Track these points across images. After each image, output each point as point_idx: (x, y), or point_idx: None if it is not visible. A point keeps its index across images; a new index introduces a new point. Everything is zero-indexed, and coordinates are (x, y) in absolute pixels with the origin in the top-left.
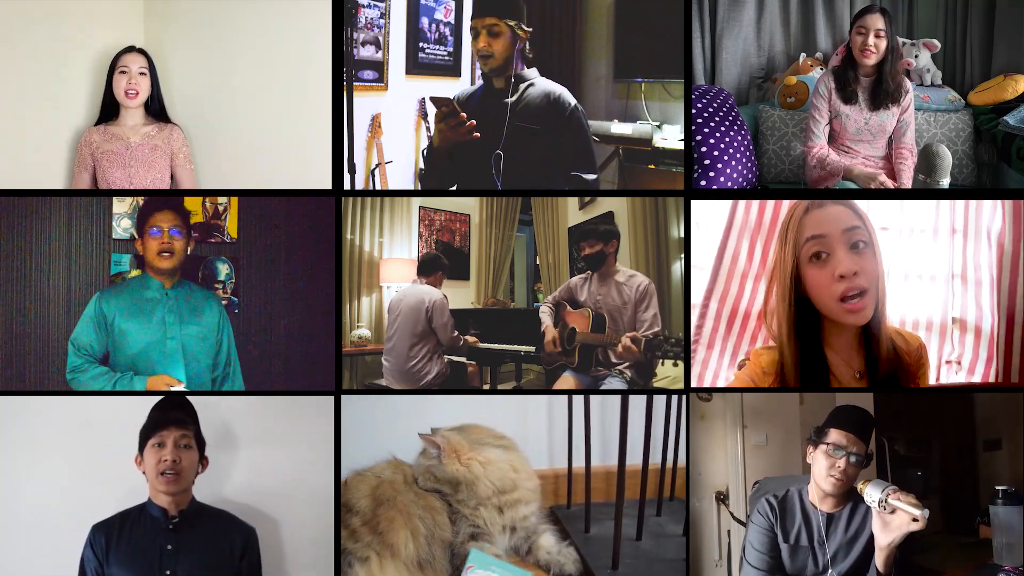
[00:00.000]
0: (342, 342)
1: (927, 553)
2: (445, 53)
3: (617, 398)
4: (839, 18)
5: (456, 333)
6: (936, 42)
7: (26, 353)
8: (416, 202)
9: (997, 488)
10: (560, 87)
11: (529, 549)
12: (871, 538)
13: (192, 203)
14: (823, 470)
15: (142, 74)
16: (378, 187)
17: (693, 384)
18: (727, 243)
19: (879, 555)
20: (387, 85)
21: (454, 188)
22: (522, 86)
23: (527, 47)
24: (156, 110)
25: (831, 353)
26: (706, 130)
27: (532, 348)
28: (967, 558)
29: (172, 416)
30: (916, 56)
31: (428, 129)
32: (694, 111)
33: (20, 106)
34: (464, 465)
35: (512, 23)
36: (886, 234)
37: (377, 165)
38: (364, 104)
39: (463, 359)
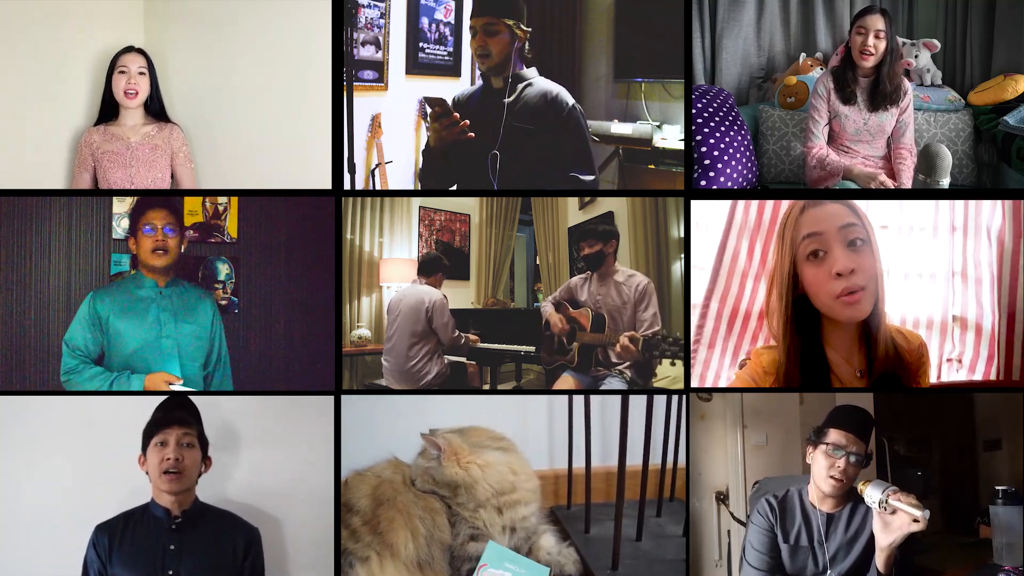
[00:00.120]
0: (342, 342)
1: (927, 553)
2: (445, 53)
3: (617, 398)
4: (839, 18)
5: (457, 333)
6: (936, 42)
7: (26, 353)
8: (416, 202)
9: (997, 488)
10: (558, 87)
11: (529, 550)
12: (871, 538)
13: (192, 203)
14: (823, 470)
15: (141, 74)
16: (378, 187)
17: (695, 384)
18: (727, 243)
19: (879, 556)
20: (387, 85)
21: (454, 188)
22: (520, 86)
23: (526, 47)
24: (156, 110)
25: (831, 352)
26: (706, 130)
27: (532, 348)
28: (967, 558)
29: (175, 416)
30: (916, 56)
31: (428, 129)
32: (694, 111)
33: (20, 106)
34: (463, 468)
35: (510, 22)
36: (886, 232)
37: (377, 165)
38: (364, 104)
39: (463, 359)
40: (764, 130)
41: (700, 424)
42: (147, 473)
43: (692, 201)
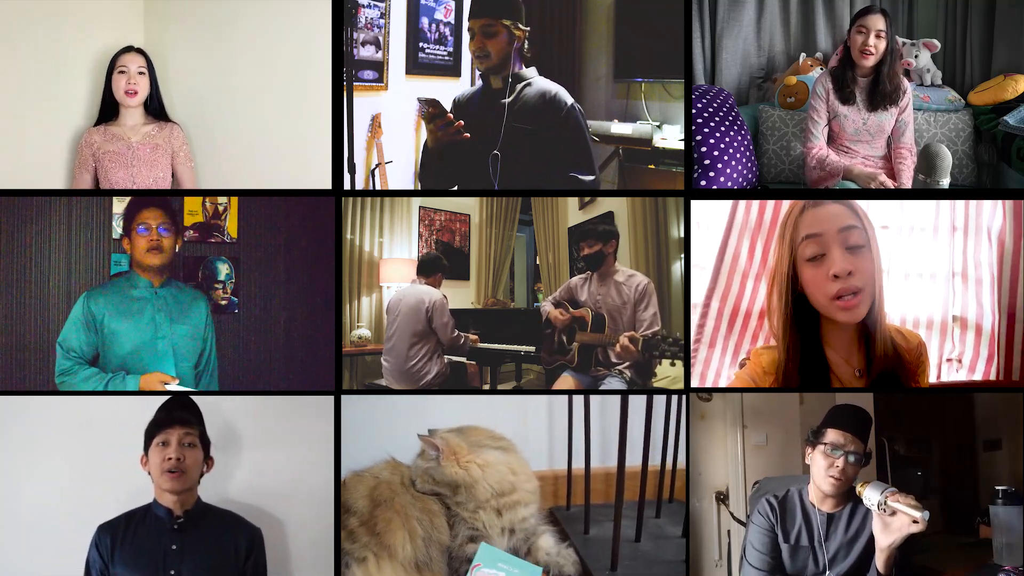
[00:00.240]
0: (342, 342)
1: (927, 553)
2: (445, 53)
3: (617, 398)
4: (839, 18)
5: (456, 333)
6: (936, 42)
7: (26, 353)
8: (416, 202)
9: (997, 488)
10: (557, 86)
11: (528, 550)
12: (871, 538)
13: (192, 203)
14: (822, 470)
15: (141, 74)
16: (378, 187)
17: (695, 383)
18: (728, 242)
19: (879, 556)
20: (387, 85)
21: (455, 188)
22: (519, 86)
23: (525, 46)
24: (155, 109)
25: (831, 352)
26: (706, 130)
27: (532, 348)
28: (967, 558)
29: (176, 415)
30: (916, 56)
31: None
32: (694, 111)
33: (20, 106)
34: (463, 468)
35: (508, 23)
36: (887, 232)
37: (377, 165)
38: (364, 104)
39: (463, 359)
40: (764, 130)
41: (700, 424)
42: (149, 473)
43: (692, 201)
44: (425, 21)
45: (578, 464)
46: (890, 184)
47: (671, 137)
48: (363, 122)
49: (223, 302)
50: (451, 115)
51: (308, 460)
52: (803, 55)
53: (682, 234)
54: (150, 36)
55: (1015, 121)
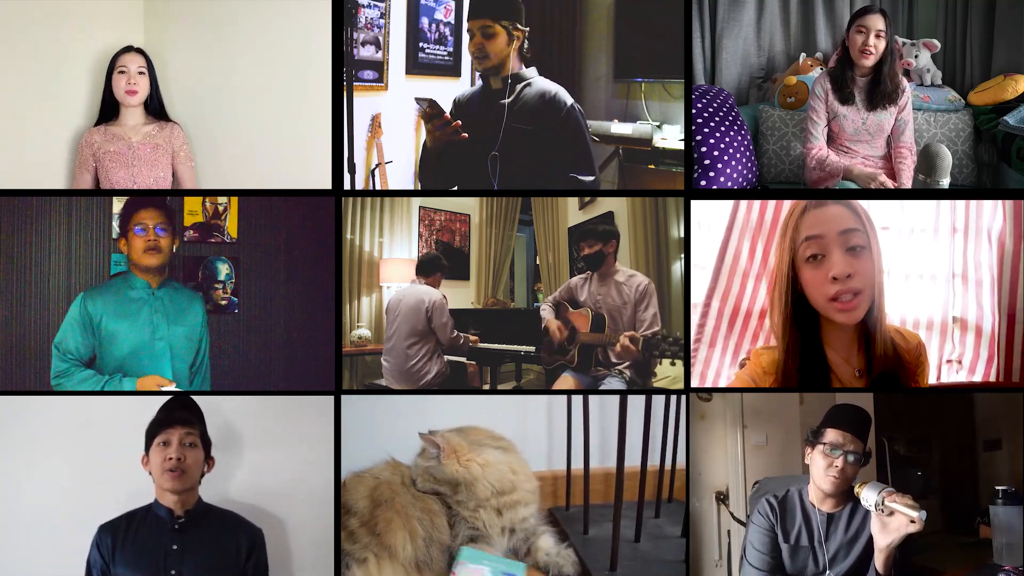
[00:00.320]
0: (342, 342)
1: (927, 553)
2: (445, 53)
3: (616, 398)
4: (839, 18)
5: (456, 333)
6: (936, 42)
7: (26, 353)
8: (416, 202)
9: (997, 488)
10: (557, 86)
11: (528, 551)
12: (871, 538)
13: (192, 203)
14: (821, 470)
15: (141, 73)
16: (378, 187)
17: (695, 383)
18: (728, 242)
19: (878, 556)
20: (387, 85)
21: (455, 188)
22: (519, 86)
23: (525, 46)
24: (156, 109)
25: (831, 352)
26: (706, 130)
27: (532, 348)
28: (967, 558)
29: (177, 415)
30: (916, 56)
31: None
32: (694, 111)
33: (20, 106)
34: (463, 466)
35: (507, 24)
36: (887, 233)
37: (377, 165)
38: (364, 104)
39: (463, 359)
40: (764, 130)
41: (700, 424)
42: (150, 473)
43: (692, 201)
44: (425, 21)
45: (577, 464)
46: (890, 184)
47: (671, 137)
48: (363, 122)
49: (223, 302)
50: (448, 115)
51: (308, 460)
52: (803, 55)
53: (682, 234)
54: (150, 36)
55: (1015, 121)
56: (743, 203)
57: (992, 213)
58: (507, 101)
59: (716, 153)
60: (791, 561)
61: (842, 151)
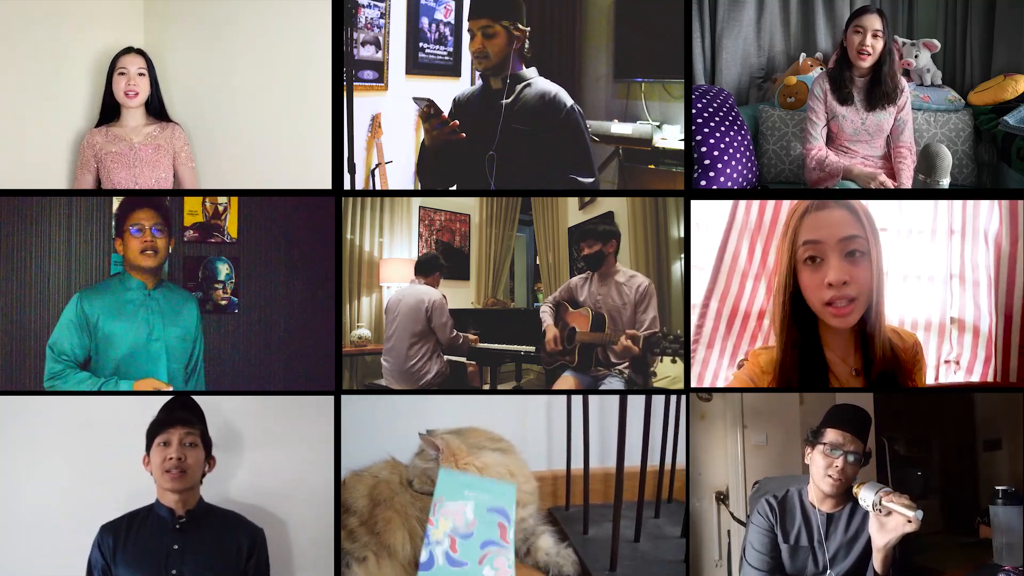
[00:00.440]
0: (342, 342)
1: (927, 553)
2: (445, 53)
3: (616, 398)
4: (839, 18)
5: (455, 332)
6: (936, 42)
7: (26, 353)
8: (416, 202)
9: (997, 488)
10: (557, 87)
11: (527, 550)
12: (871, 538)
13: (192, 203)
14: (821, 470)
15: (141, 75)
16: (378, 187)
17: (693, 384)
18: (727, 243)
19: (876, 556)
20: (387, 85)
21: (454, 188)
22: (519, 86)
23: (526, 47)
24: (156, 109)
25: (828, 351)
26: (706, 130)
27: (532, 348)
28: (967, 558)
29: (177, 416)
30: (916, 56)
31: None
32: (694, 111)
33: (20, 106)
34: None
35: (507, 24)
36: (885, 235)
37: (377, 165)
38: (364, 104)
39: (463, 359)
40: (764, 130)
41: (700, 424)
42: (151, 473)
43: (692, 201)
44: (425, 21)
45: (577, 464)
46: (890, 184)
47: (671, 137)
48: (363, 122)
49: (223, 302)
50: (446, 115)
51: (308, 460)
52: (803, 55)
53: (682, 234)
54: (150, 36)
55: (1015, 121)
56: (742, 204)
57: (988, 214)
58: (506, 101)
59: (716, 153)
60: (791, 561)
61: (842, 151)
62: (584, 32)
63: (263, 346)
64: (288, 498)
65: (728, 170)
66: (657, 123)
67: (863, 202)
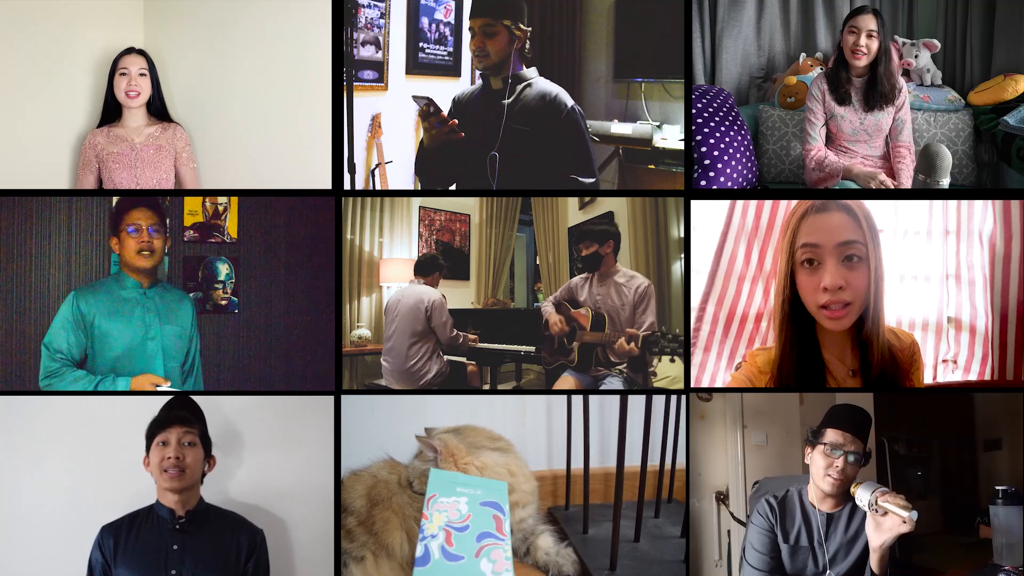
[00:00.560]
0: (342, 342)
1: (927, 553)
2: (445, 53)
3: (616, 398)
4: (839, 18)
5: (455, 332)
6: (936, 42)
7: (26, 353)
8: (416, 202)
9: (997, 488)
10: (557, 88)
11: (528, 550)
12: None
13: (192, 203)
14: (821, 470)
15: (142, 75)
16: (378, 187)
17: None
18: (724, 246)
19: (873, 556)
20: (387, 85)
21: (453, 188)
22: (520, 87)
23: (526, 46)
24: (157, 110)
25: (825, 351)
26: (706, 130)
27: (532, 348)
28: (967, 558)
29: (176, 415)
30: (916, 56)
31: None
32: (694, 111)
33: (20, 106)
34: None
35: (508, 23)
36: (881, 236)
37: (377, 165)
38: (364, 104)
39: (463, 359)
40: (764, 130)
41: (700, 424)
42: (152, 474)
43: (692, 201)
44: (425, 21)
45: (577, 464)
46: (890, 184)
47: (671, 137)
48: (363, 122)
49: (223, 302)
50: (445, 113)
51: (308, 460)
52: (803, 55)
53: (682, 234)
54: (150, 36)
55: (1015, 121)
56: (739, 207)
57: (983, 215)
58: (507, 102)
59: (716, 153)
60: (791, 561)
61: (841, 151)
62: (584, 32)
63: (263, 346)
64: (288, 498)
65: (728, 170)
66: (657, 123)
67: (865, 205)
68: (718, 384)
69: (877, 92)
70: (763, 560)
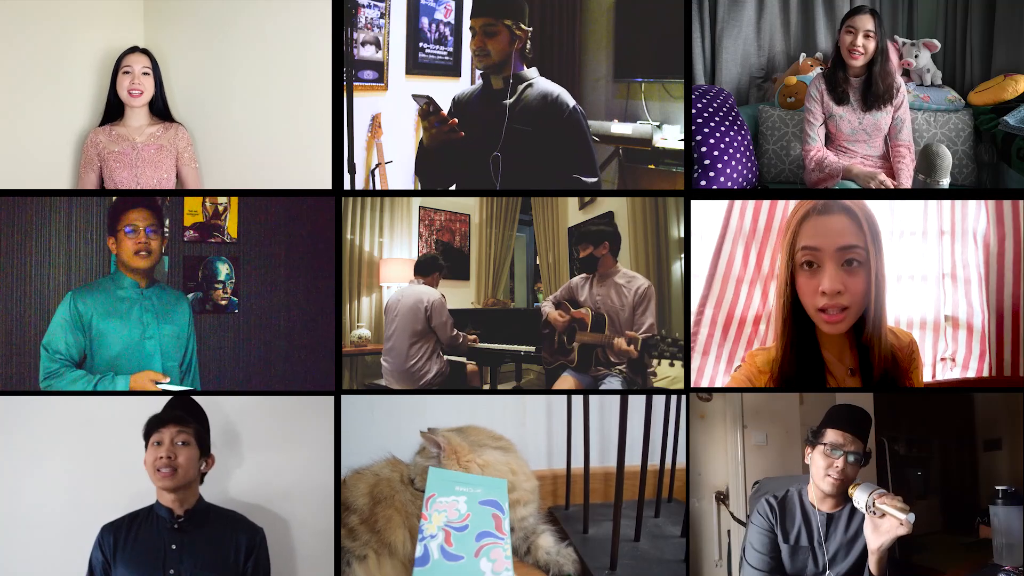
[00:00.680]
0: (342, 342)
1: (927, 553)
2: (445, 53)
3: (616, 398)
4: (839, 18)
5: (455, 332)
6: (936, 42)
7: (26, 353)
8: (416, 202)
9: (997, 488)
10: (559, 88)
11: (528, 549)
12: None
13: (192, 203)
14: (821, 470)
15: (145, 74)
16: (378, 187)
17: None
18: (722, 248)
19: (871, 558)
20: (387, 85)
21: (453, 188)
22: (520, 87)
23: (527, 46)
24: (160, 109)
25: (825, 351)
26: (706, 130)
27: (532, 348)
28: (967, 558)
29: (172, 414)
30: (916, 56)
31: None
32: (694, 111)
33: (21, 106)
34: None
35: (509, 23)
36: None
37: (377, 165)
38: (364, 104)
39: (463, 359)
40: (764, 130)
41: (700, 424)
42: (147, 472)
43: (692, 201)
44: (425, 21)
45: (577, 464)
46: (890, 184)
47: (671, 137)
48: (363, 122)
49: (223, 302)
50: (444, 113)
51: (308, 460)
52: (803, 55)
53: (682, 234)
54: (150, 36)
55: (1015, 121)
56: (736, 209)
57: (976, 215)
58: (509, 102)
59: (716, 153)
60: (791, 561)
61: (840, 151)
62: (584, 32)
63: (263, 346)
64: (289, 498)
65: (728, 170)
66: (657, 123)
67: (868, 207)
68: (718, 386)
69: (874, 92)
70: (763, 560)
